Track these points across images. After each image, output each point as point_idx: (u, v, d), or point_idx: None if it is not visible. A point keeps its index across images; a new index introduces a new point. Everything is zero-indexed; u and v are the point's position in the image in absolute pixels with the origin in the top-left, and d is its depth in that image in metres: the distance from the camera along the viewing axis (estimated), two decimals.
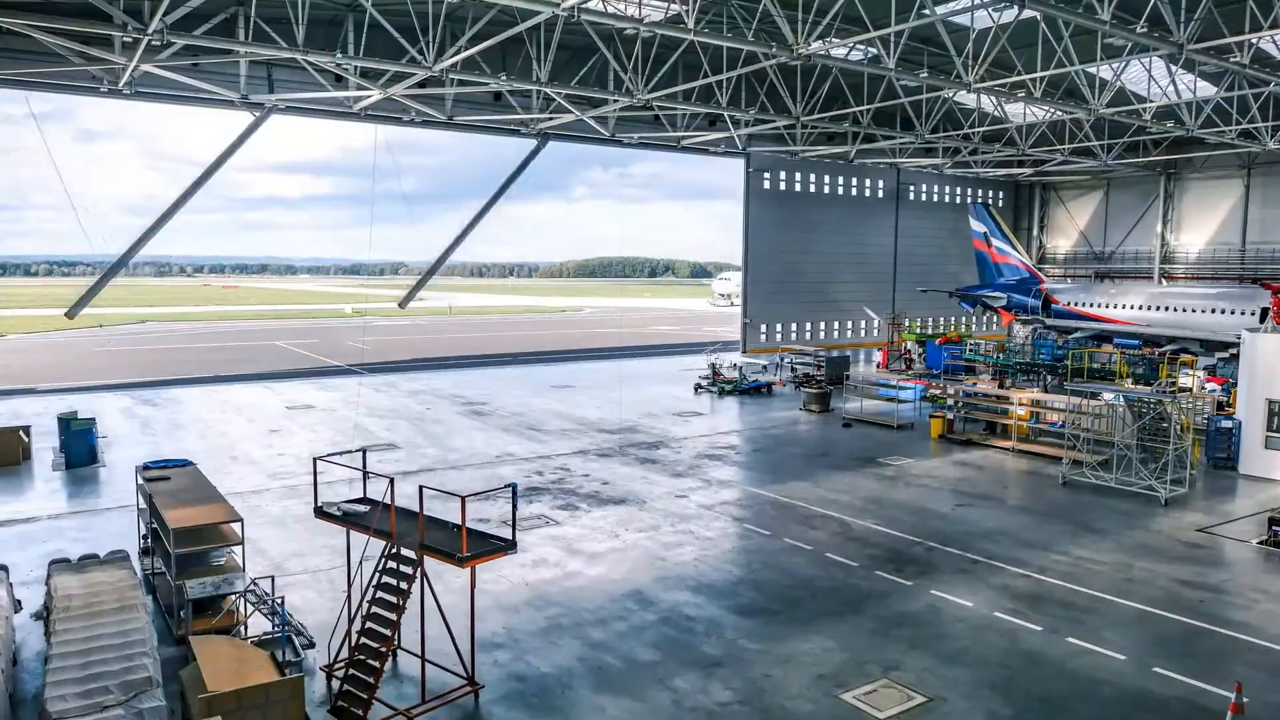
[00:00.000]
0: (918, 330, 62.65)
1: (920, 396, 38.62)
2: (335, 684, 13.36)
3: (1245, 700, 12.41)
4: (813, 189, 63.77)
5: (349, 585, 14.18)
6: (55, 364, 54.54)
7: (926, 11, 27.67)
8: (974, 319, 72.78)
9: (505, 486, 16.68)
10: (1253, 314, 42.99)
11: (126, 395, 41.23)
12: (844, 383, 43.04)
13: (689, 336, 77.78)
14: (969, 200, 71.48)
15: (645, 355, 62.51)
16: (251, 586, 15.00)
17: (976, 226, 62.06)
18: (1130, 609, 16.67)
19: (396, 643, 13.66)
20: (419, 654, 13.30)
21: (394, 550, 13.22)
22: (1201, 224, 64.08)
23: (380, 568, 13.25)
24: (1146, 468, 25.60)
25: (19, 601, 15.92)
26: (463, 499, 12.95)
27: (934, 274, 68.23)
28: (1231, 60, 33.79)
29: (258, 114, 42.28)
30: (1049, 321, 53.43)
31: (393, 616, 12.70)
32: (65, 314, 43.48)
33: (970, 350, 48.34)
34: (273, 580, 15.80)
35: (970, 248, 64.14)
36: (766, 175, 60.90)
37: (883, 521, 22.15)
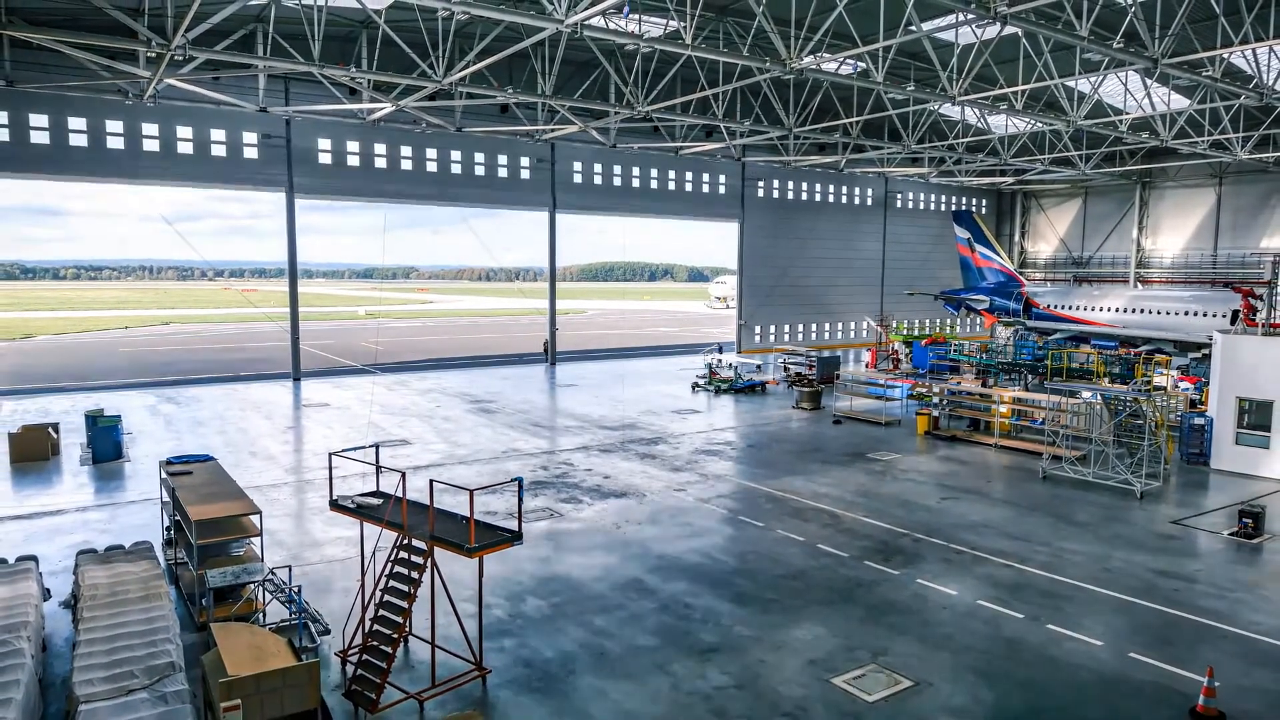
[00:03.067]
0: (905, 331, 62.69)
1: (907, 395, 38.63)
2: (349, 669, 13.37)
3: (1217, 684, 12.41)
4: (805, 197, 63.78)
5: (362, 574, 14.18)
6: (82, 364, 54.51)
7: (913, 28, 27.72)
8: (958, 320, 72.79)
9: (511, 480, 16.69)
10: (1224, 316, 43.01)
11: (150, 393, 41.22)
12: (835, 382, 43.09)
13: (687, 337, 77.76)
14: (954, 207, 71.50)
15: (645, 355, 62.48)
16: (269, 576, 14.98)
17: (961, 233, 62.08)
18: (1108, 597, 16.67)
19: (408, 629, 13.66)
20: (429, 640, 13.29)
21: (405, 541, 13.21)
22: (1175, 230, 64.11)
23: (392, 558, 13.25)
24: (1123, 463, 25.61)
25: (48, 590, 15.92)
26: (471, 492, 12.96)
27: (920, 278, 68.28)
28: (1204, 74, 33.82)
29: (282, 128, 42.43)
30: (1030, 323, 53.43)
31: (404, 604, 12.70)
32: None
33: (955, 350, 48.34)
34: (290, 570, 15.81)
35: (955, 253, 64.17)
36: (760, 184, 60.91)
37: (871, 514, 22.14)
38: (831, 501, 23.28)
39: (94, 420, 27.64)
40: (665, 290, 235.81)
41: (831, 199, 65.41)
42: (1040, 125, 48.53)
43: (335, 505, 14.49)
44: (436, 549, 12.82)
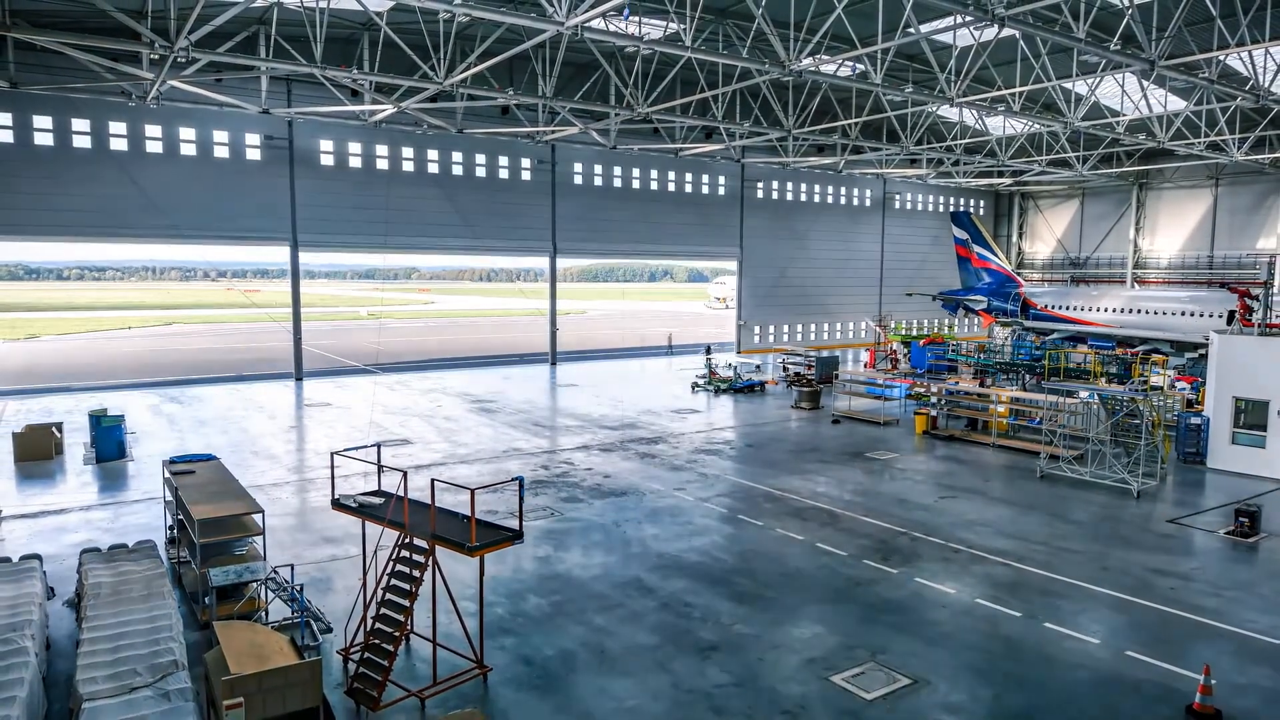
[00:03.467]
0: (903, 331, 62.71)
1: (905, 395, 38.64)
2: (351, 667, 13.37)
3: (1213, 682, 12.42)
4: (804, 198, 63.81)
5: (364, 573, 14.19)
6: (85, 363, 54.51)
7: (911, 30, 27.71)
8: (956, 321, 72.81)
9: (512, 480, 16.68)
10: (1220, 316, 43.01)
11: (153, 393, 41.22)
12: (833, 382, 43.10)
13: (687, 337, 77.67)
14: (952, 208, 71.50)
15: (645, 355, 62.42)
16: (272, 574, 14.99)
17: (959, 233, 62.06)
18: (1104, 596, 16.68)
19: (409, 628, 13.66)
20: (431, 638, 13.30)
21: (407, 540, 13.22)
22: (1172, 231, 64.15)
23: (394, 557, 13.26)
24: (1120, 462, 25.61)
25: (52, 589, 15.95)
26: (472, 491, 12.96)
27: (918, 279, 68.33)
28: (1200, 76, 33.85)
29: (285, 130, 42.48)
30: (1027, 323, 53.46)
31: (406, 603, 12.70)
32: None
33: (953, 351, 48.35)
34: (292, 568, 15.81)
35: (953, 254, 64.16)
36: (760, 185, 60.93)
37: (870, 513, 22.14)
38: (830, 500, 23.29)
39: (97, 420, 27.64)
40: (665, 290, 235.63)
41: (830, 200, 65.42)
42: (1038, 127, 48.54)
43: (337, 504, 14.50)
44: (438, 548, 12.82)
